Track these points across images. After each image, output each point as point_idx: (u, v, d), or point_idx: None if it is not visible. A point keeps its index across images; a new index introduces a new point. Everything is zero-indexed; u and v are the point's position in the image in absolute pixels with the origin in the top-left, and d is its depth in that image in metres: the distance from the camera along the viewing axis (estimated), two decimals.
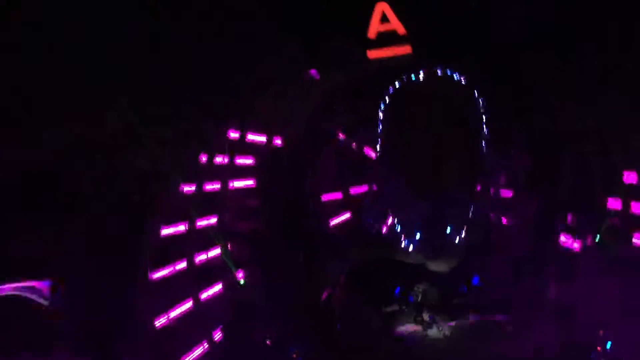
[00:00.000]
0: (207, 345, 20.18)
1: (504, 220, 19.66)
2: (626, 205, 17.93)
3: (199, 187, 22.15)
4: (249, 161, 23.03)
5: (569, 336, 16.83)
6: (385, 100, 19.03)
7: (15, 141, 20.75)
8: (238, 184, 22.57)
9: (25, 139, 21.30)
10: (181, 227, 21.73)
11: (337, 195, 22.57)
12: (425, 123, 17.61)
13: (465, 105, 18.16)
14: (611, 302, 17.08)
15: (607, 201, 17.51)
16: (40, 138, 21.83)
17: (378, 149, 19.45)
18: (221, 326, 20.21)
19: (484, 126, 18.31)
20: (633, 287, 16.05)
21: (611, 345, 15.94)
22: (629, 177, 17.07)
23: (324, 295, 19.22)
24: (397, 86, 18.47)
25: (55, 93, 21.20)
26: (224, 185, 22.27)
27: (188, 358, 19.85)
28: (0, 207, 19.73)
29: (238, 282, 20.55)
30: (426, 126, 17.56)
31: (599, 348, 15.90)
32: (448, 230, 18.24)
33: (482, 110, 18.29)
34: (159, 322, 20.25)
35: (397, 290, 18.38)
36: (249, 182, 22.60)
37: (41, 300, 19.43)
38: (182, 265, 21.29)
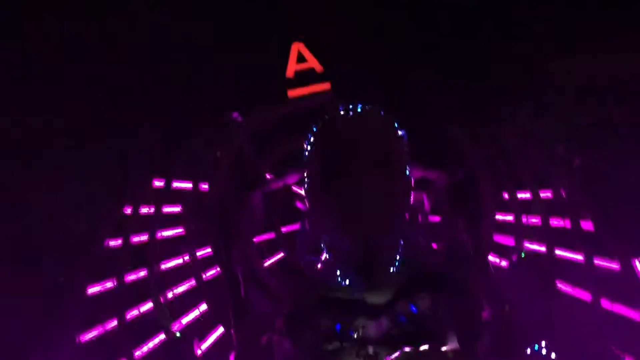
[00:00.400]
0: None
1: (434, 246, 20.00)
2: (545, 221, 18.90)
3: (126, 239, 21.54)
4: (176, 209, 22.64)
5: (507, 355, 17.15)
6: (309, 140, 19.15)
7: None
8: (167, 233, 22.09)
9: None
10: (109, 284, 20.97)
11: (269, 236, 22.43)
12: (349, 160, 17.75)
13: (387, 139, 18.46)
14: (543, 315, 17.64)
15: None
16: None
17: (306, 187, 19.47)
18: None
19: (407, 159, 18.69)
20: (561, 299, 16.64)
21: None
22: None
23: (264, 340, 18.76)
24: (320, 125, 18.61)
25: None
26: (152, 235, 21.75)
27: None
28: None
29: (174, 335, 19.89)
30: (350, 163, 17.69)
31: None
32: (382, 262, 18.28)
33: (404, 142, 18.70)
34: None
35: (338, 326, 18.16)
36: (178, 231, 22.16)
37: None
38: (113, 323, 20.47)
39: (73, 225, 21.16)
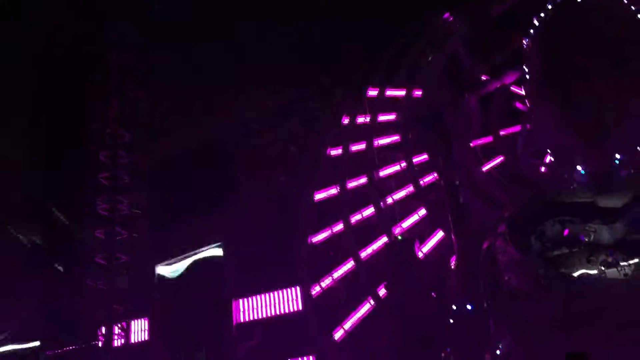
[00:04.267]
0: (373, 302, 20.54)
1: None
2: None
3: (345, 148, 22.41)
4: (391, 117, 22.83)
5: None
6: (531, 33, 17.67)
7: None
8: (383, 141, 22.48)
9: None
10: (333, 191, 22.20)
11: (487, 139, 21.70)
12: (578, 53, 16.04)
13: (626, 29, 16.25)
14: None
15: None
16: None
17: (527, 86, 18.23)
18: (384, 283, 20.45)
19: None
20: None
21: None
22: None
23: (485, 246, 18.62)
24: (543, 14, 17.01)
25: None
26: (370, 144, 22.28)
27: (356, 315, 20.42)
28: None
29: (396, 237, 20.63)
30: (579, 56, 16.00)
31: None
32: (617, 163, 16.71)
33: None
34: (324, 283, 20.97)
35: (567, 231, 17.26)
36: (394, 138, 22.41)
37: None
38: (339, 227, 21.78)
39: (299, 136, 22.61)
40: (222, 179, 25.00)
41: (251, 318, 22.59)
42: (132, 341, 21.98)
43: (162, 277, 23.99)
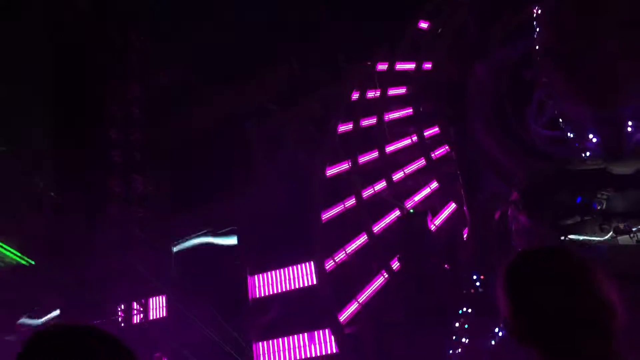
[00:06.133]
0: (387, 275, 20.72)
1: None
2: None
3: (356, 123, 22.44)
4: (401, 90, 22.78)
5: None
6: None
7: None
8: (394, 115, 22.46)
9: None
10: (344, 166, 22.28)
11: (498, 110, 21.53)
12: (592, 20, 15.83)
13: None
14: None
15: None
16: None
17: (539, 56, 18.07)
18: (398, 256, 20.60)
19: None
20: None
21: None
22: None
23: (497, 215, 18.64)
24: None
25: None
26: (380, 118, 22.30)
27: (370, 288, 20.61)
28: None
29: (408, 211, 20.70)
30: (593, 24, 15.79)
31: None
32: (629, 128, 16.61)
33: None
34: (338, 257, 21.16)
35: (579, 199, 17.23)
36: (405, 112, 22.37)
37: None
38: (351, 202, 21.90)
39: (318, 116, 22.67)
40: (236, 158, 25.18)
41: (266, 293, 22.97)
42: (151, 317, 22.55)
43: (178, 256, 24.38)
